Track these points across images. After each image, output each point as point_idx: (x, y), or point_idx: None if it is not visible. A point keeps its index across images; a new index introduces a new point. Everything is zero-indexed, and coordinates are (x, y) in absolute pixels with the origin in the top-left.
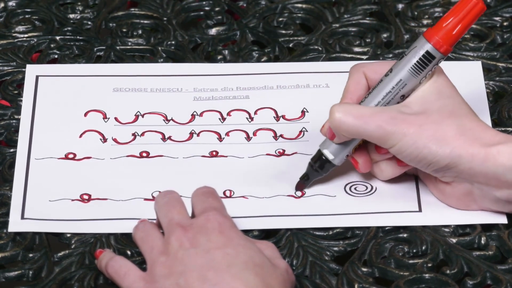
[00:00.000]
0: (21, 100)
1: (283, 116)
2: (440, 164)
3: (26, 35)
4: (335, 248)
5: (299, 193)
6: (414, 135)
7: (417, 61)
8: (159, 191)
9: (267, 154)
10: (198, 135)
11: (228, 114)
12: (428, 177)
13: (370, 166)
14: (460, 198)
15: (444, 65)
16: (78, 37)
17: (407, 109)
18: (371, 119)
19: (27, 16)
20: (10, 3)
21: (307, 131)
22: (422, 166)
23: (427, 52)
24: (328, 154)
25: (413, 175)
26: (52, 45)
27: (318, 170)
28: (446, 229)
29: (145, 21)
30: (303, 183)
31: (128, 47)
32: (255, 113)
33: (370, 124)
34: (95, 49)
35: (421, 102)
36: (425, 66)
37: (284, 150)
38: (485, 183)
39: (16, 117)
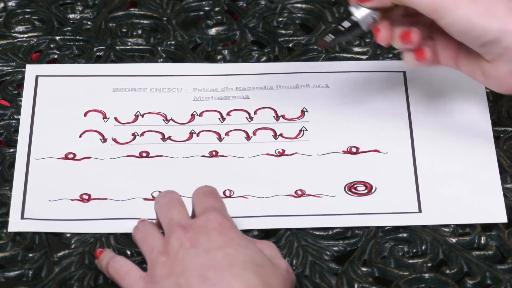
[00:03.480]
0: (21, 100)
1: (283, 116)
2: (488, 37)
3: (26, 35)
4: (335, 248)
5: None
6: (466, 7)
7: None
8: (159, 191)
9: (267, 154)
10: (198, 135)
11: (228, 114)
12: (471, 60)
13: (388, 43)
14: (503, 79)
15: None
16: (78, 37)
17: None
18: None
19: (27, 16)
20: (10, 3)
21: (307, 130)
22: (470, 39)
23: None
24: (356, 12)
25: (413, 178)
26: (52, 45)
27: (343, 30)
28: (446, 229)
29: (145, 21)
30: (327, 42)
31: (128, 47)
32: (255, 113)
33: None
34: (95, 49)
35: None
36: None
37: (284, 150)
38: None
39: (16, 117)
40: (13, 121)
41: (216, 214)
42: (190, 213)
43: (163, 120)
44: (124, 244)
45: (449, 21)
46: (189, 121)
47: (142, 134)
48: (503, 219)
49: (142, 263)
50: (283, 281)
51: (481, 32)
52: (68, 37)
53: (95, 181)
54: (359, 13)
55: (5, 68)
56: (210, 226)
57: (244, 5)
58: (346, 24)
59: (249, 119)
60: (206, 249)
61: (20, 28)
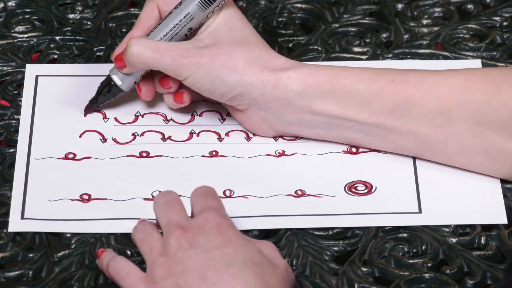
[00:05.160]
0: (21, 100)
1: None
2: (233, 92)
3: (25, 35)
4: (335, 248)
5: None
6: (206, 66)
7: None
8: (159, 191)
9: (267, 155)
10: (198, 135)
11: (228, 114)
12: (227, 106)
13: (152, 96)
14: (257, 125)
15: (444, 64)
16: (77, 37)
17: (200, 43)
18: (167, 52)
19: (26, 16)
20: (10, 3)
21: None
22: (216, 96)
23: None
24: (116, 79)
25: (413, 178)
26: (51, 45)
27: (106, 94)
28: (446, 229)
29: None
30: (92, 106)
31: None
32: None
33: (166, 57)
34: (95, 49)
35: (212, 36)
36: (212, 2)
37: (284, 151)
38: (278, 109)
39: (16, 117)
40: (13, 121)
41: (214, 213)
42: (189, 214)
43: (163, 120)
44: (124, 244)
45: (192, 81)
46: (189, 121)
47: (142, 134)
48: (503, 220)
49: (142, 263)
50: (282, 280)
51: (224, 90)
52: (68, 37)
53: (95, 181)
54: (119, 77)
55: (5, 68)
56: (208, 226)
57: (244, 5)
58: (107, 88)
59: None
60: (205, 249)
61: (20, 28)
